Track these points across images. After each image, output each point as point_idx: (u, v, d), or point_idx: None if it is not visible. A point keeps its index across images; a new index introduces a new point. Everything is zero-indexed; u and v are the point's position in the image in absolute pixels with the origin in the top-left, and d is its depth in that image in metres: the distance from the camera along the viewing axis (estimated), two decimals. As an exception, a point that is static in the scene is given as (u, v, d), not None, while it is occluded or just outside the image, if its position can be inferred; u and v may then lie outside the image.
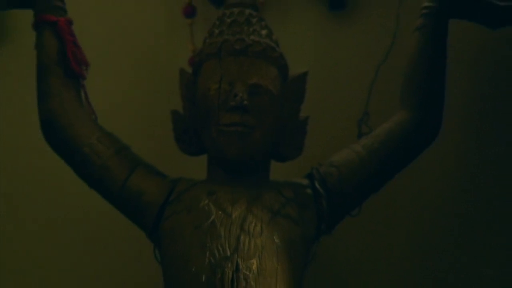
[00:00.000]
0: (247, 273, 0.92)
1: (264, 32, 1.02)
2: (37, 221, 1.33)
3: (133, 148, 1.05)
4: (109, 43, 1.28)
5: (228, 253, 0.93)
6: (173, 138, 1.06)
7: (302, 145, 1.05)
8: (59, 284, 1.31)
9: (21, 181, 1.33)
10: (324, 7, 1.24)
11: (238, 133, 0.97)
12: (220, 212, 0.96)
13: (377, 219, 1.20)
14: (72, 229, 1.31)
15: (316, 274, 1.09)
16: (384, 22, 1.16)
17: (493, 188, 1.21)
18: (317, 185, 1.01)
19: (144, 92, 1.28)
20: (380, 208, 1.17)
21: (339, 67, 1.23)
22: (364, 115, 1.08)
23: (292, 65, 1.04)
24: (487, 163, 1.21)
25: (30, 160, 1.31)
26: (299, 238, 0.98)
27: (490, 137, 1.21)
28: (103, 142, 1.02)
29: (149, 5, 1.29)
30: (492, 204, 1.22)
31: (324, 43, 1.23)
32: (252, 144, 0.98)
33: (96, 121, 1.05)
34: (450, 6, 1.04)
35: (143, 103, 1.27)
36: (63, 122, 1.02)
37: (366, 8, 1.23)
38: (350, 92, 1.19)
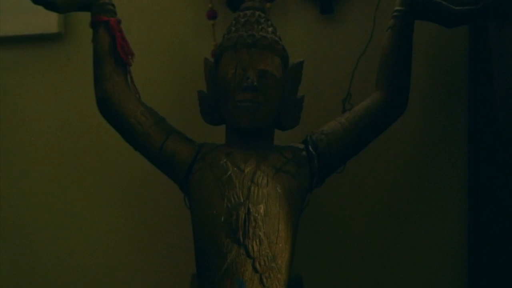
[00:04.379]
0: (256, 215, 0.94)
1: (270, 29, 1.03)
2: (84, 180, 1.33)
3: (167, 120, 1.05)
4: (150, 40, 1.29)
5: (242, 200, 0.95)
6: (199, 112, 1.07)
7: (299, 117, 1.06)
8: (97, 236, 1.33)
9: (78, 148, 1.34)
10: (316, 11, 1.24)
11: (250, 108, 0.98)
12: (235, 168, 0.98)
13: (357, 176, 1.20)
14: (113, 184, 1.33)
15: (309, 219, 1.10)
16: (363, 22, 1.17)
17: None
18: (310, 148, 1.02)
19: (177, 77, 1.29)
20: (360, 167, 1.17)
21: (328, 57, 1.24)
22: (347, 95, 1.08)
23: (292, 56, 1.06)
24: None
25: (86, 130, 1.32)
26: (296, 189, 0.99)
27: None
28: (145, 114, 1.03)
29: (181, 11, 1.29)
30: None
31: (316, 39, 1.25)
32: (260, 116, 0.99)
33: (140, 99, 1.06)
34: (416, 10, 1.04)
35: (176, 85, 1.29)
36: (114, 99, 1.03)
37: (350, 12, 1.24)
38: (336, 77, 1.20)
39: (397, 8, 1.05)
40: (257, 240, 0.93)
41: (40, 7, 1.03)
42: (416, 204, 1.23)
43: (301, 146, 1.03)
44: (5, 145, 1.37)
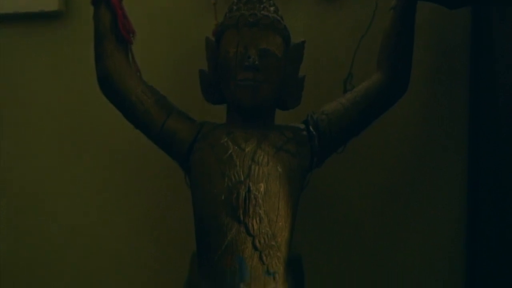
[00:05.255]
0: (257, 193, 0.95)
1: (272, 8, 1.03)
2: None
3: (168, 98, 1.06)
4: (151, 18, 1.29)
5: (242, 178, 0.96)
6: (200, 91, 1.07)
7: (300, 97, 1.06)
8: (98, 215, 1.34)
9: (78, 126, 1.34)
10: (319, -7, 1.24)
11: (251, 87, 0.99)
12: (236, 147, 0.98)
13: (357, 157, 1.21)
14: (113, 163, 1.34)
15: (309, 199, 1.11)
16: (365, 3, 1.17)
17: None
18: (311, 128, 1.03)
19: (178, 55, 1.29)
20: (360, 148, 1.18)
21: (330, 39, 1.24)
22: (349, 75, 1.09)
23: (293, 36, 1.06)
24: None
25: (87, 109, 1.33)
26: (297, 168, 1.00)
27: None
28: (146, 93, 1.04)
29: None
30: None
31: (318, 19, 1.25)
32: (261, 95, 1.00)
33: (141, 77, 1.06)
34: (418, -9, 1.04)
35: (177, 64, 1.29)
36: (116, 77, 1.03)
37: (352, -7, 1.23)
38: (338, 58, 1.20)
39: (400, -12, 1.04)
40: (257, 218, 0.94)
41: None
42: (416, 185, 1.24)
43: (302, 126, 1.04)
44: (5, 123, 1.37)
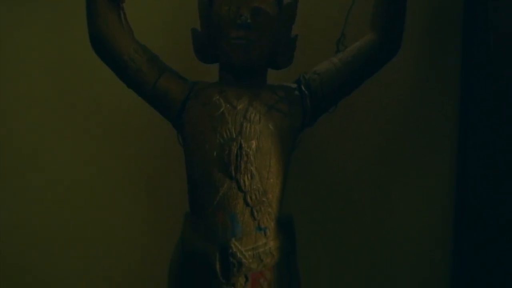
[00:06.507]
0: (248, 150, 0.97)
1: (264, -34, 1.02)
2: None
3: (161, 57, 1.06)
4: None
5: (234, 135, 0.97)
6: (192, 50, 1.07)
7: (292, 56, 1.07)
8: (91, 175, 1.35)
9: (72, 86, 1.34)
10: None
11: (243, 46, 0.99)
12: (228, 105, 0.99)
13: (349, 117, 1.23)
14: (106, 123, 1.34)
15: (300, 160, 1.12)
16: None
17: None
18: (303, 88, 1.03)
19: (171, 15, 1.30)
20: (352, 108, 1.19)
21: (323, -1, 1.23)
22: (341, 36, 1.08)
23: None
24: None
25: (81, 68, 1.32)
26: (288, 127, 1.02)
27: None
28: (138, 52, 1.04)
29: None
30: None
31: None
32: (253, 54, 1.00)
33: (133, 36, 1.06)
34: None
35: (170, 23, 1.29)
36: (108, 37, 1.03)
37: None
38: (331, 17, 1.19)
39: None
40: (249, 175, 0.96)
41: None
42: (409, 147, 1.26)
43: (294, 85, 1.05)
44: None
